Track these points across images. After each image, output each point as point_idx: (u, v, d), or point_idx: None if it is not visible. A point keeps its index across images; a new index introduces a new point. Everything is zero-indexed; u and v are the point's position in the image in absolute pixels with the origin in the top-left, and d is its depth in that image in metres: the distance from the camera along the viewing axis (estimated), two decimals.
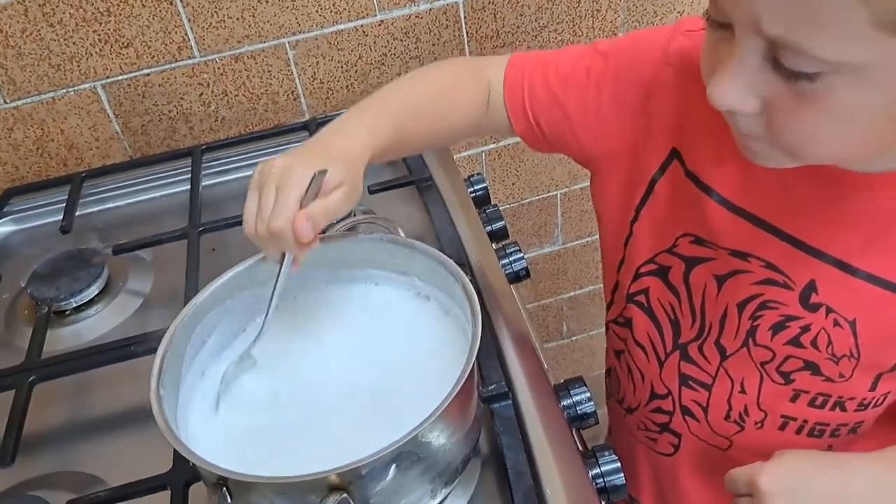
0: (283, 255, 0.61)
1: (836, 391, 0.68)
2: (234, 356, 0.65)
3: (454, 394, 0.53)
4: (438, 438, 0.55)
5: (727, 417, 0.75)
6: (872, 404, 0.69)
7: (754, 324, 0.68)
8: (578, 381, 0.72)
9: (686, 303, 0.72)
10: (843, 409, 0.69)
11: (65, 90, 1.05)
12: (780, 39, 0.46)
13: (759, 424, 0.73)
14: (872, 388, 0.67)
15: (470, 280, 0.62)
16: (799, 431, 0.72)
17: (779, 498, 0.61)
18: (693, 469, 0.82)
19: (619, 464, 0.66)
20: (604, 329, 1.74)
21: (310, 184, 0.58)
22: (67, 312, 0.87)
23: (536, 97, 0.74)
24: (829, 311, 0.64)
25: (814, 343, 0.65)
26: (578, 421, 0.71)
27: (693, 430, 0.79)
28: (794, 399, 0.70)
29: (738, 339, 0.70)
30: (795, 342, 0.66)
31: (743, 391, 0.72)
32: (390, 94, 0.73)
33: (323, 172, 0.59)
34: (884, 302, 0.61)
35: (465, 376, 0.54)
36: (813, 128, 0.50)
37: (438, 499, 0.58)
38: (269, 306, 0.63)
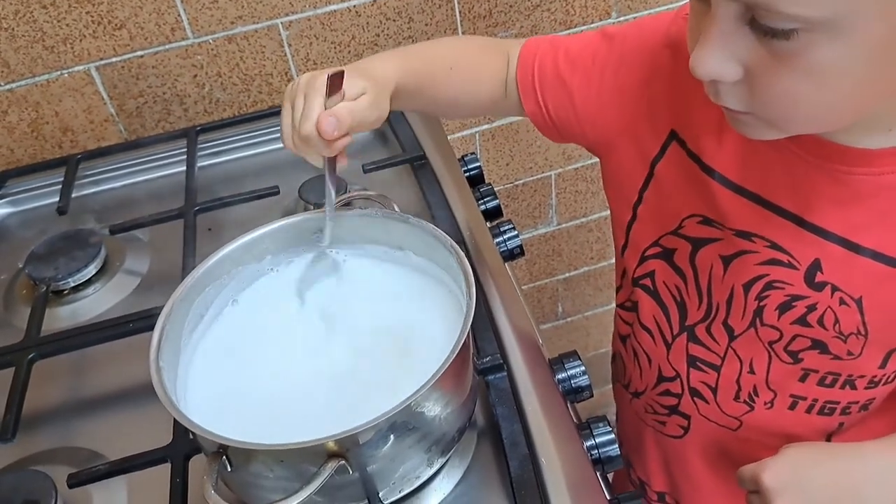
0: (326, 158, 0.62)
1: (845, 369, 0.67)
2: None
3: (449, 363, 0.53)
4: (433, 408, 0.55)
5: (736, 398, 0.75)
6: (883, 381, 0.68)
7: (761, 304, 0.68)
8: (573, 354, 0.73)
9: (692, 284, 0.72)
10: (853, 387, 0.68)
11: (59, 72, 1.05)
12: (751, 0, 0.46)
13: (769, 404, 0.73)
14: (882, 366, 0.67)
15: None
16: (809, 410, 0.72)
17: (784, 493, 0.61)
18: (702, 451, 0.82)
19: (613, 435, 0.67)
20: (599, 310, 1.74)
21: (328, 85, 0.58)
22: (65, 292, 0.88)
23: (545, 79, 0.74)
24: (834, 289, 0.63)
25: (820, 322, 0.65)
26: (573, 394, 0.71)
27: (702, 412, 0.79)
28: (803, 378, 0.70)
29: (746, 319, 0.69)
30: (802, 321, 0.66)
31: (752, 371, 0.72)
32: (422, 47, 0.74)
33: (340, 72, 0.59)
34: (890, 279, 0.61)
35: (460, 346, 0.54)
36: (792, 89, 0.50)
37: (435, 467, 0.59)
38: (330, 205, 0.66)
